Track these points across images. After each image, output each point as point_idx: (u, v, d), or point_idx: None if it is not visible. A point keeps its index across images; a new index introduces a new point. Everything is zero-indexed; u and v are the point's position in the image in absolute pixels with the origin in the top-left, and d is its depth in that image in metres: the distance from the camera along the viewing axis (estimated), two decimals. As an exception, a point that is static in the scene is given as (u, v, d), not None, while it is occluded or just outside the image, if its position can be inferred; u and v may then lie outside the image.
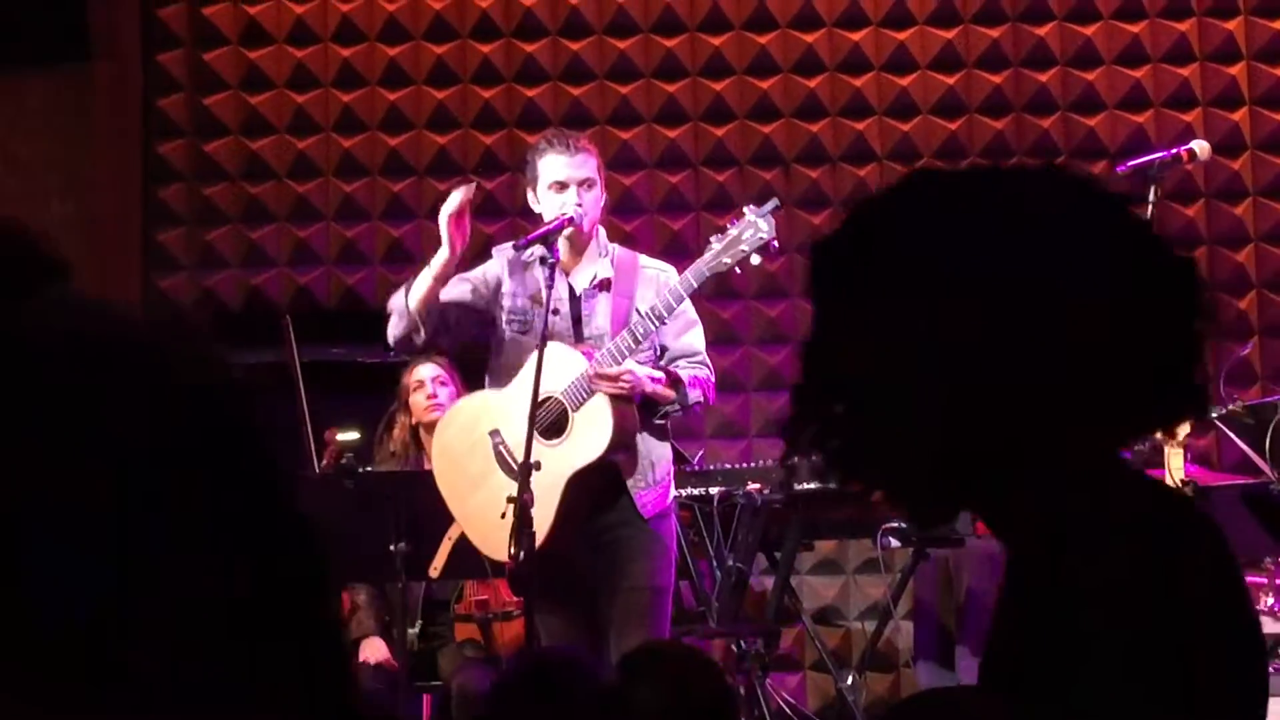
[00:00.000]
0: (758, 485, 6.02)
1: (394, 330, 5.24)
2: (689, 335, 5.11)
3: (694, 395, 5.03)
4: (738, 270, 5.05)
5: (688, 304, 5.08)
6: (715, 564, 6.35)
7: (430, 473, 5.25)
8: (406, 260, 7.84)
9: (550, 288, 4.91)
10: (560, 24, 7.94)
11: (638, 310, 5.00)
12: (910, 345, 1.74)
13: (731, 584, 6.25)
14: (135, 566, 0.94)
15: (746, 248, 4.96)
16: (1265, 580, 6.06)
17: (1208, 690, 1.71)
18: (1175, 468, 5.53)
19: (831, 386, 1.79)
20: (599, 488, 4.96)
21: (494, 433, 5.07)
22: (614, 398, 4.91)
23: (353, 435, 6.47)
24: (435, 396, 6.12)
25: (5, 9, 7.73)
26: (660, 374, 4.99)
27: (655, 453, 5.07)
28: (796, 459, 5.62)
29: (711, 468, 6.43)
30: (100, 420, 0.97)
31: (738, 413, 7.64)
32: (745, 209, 5.08)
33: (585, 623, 5.04)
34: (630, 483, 5.00)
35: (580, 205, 5.03)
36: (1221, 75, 7.81)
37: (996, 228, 1.77)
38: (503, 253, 5.23)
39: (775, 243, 5.00)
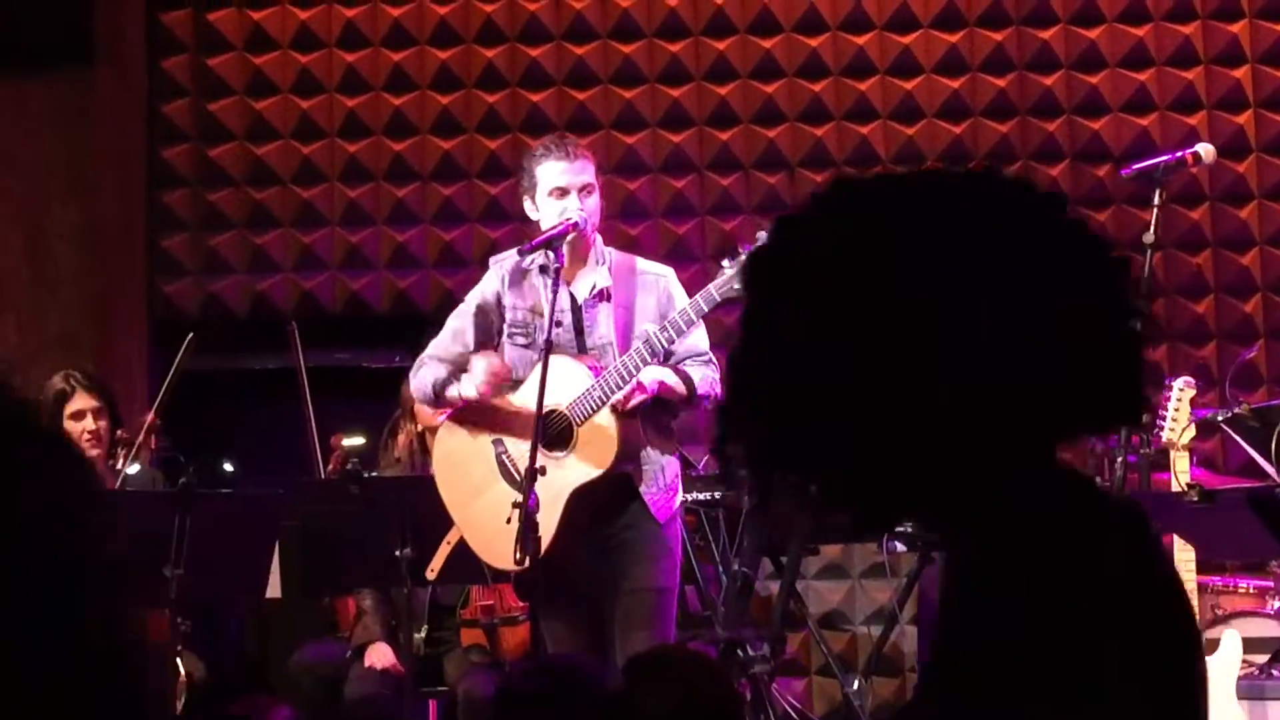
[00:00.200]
0: (763, 489, 6.01)
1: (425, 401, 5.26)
2: (693, 335, 5.11)
3: (703, 389, 5.03)
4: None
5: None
6: (721, 569, 6.35)
7: (435, 478, 5.24)
8: (412, 265, 7.85)
9: (555, 295, 4.91)
10: (564, 29, 7.94)
11: (648, 332, 4.98)
12: (851, 351, 1.73)
13: (737, 589, 6.25)
14: None
15: None
16: (1271, 583, 6.06)
17: (1130, 685, 1.70)
18: (1181, 471, 5.52)
19: (774, 397, 1.78)
20: (605, 500, 4.95)
21: (497, 442, 5.06)
22: (620, 414, 4.91)
23: (358, 440, 6.48)
24: (440, 402, 6.11)
25: (9, 13, 7.74)
26: (670, 372, 4.99)
27: (664, 458, 5.07)
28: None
29: (717, 472, 6.42)
30: None
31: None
32: (760, 234, 5.07)
33: (590, 628, 5.04)
34: (642, 488, 5.00)
35: (582, 210, 5.03)
36: (1226, 78, 7.80)
37: (931, 232, 1.76)
38: (500, 263, 5.19)
39: None
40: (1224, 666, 5.67)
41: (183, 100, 7.96)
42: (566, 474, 4.91)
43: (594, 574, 5.00)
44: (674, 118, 7.88)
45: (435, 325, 5.60)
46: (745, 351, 1.81)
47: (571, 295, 5.09)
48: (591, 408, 4.92)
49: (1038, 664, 1.69)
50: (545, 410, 4.83)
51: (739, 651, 6.09)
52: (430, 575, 5.39)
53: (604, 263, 5.14)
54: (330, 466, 6.51)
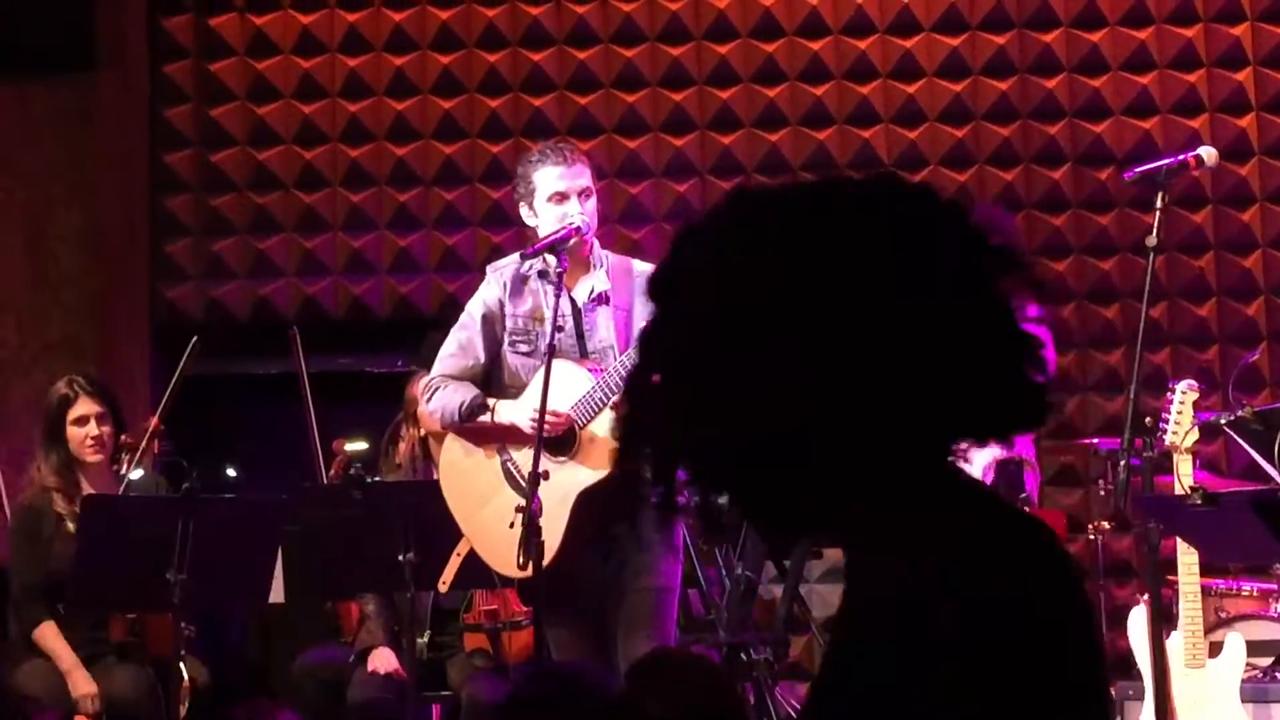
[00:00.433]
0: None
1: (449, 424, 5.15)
2: None
3: None
4: None
5: None
6: (724, 572, 6.35)
7: (438, 483, 5.24)
8: (414, 270, 7.85)
9: (558, 299, 4.92)
10: (566, 33, 7.94)
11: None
12: (749, 362, 1.73)
13: (740, 592, 6.25)
14: None
15: None
16: (1275, 586, 6.05)
17: (1020, 695, 1.70)
18: (1184, 474, 5.52)
19: (672, 411, 1.78)
20: (611, 502, 4.94)
21: (502, 449, 5.06)
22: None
23: (360, 445, 6.48)
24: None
25: (12, 19, 7.74)
26: None
27: None
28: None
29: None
30: None
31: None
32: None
33: (594, 632, 5.03)
34: None
35: (584, 214, 5.02)
36: (1228, 81, 7.80)
37: (826, 241, 1.76)
38: (498, 271, 5.18)
39: None
40: (1228, 669, 5.67)
41: (185, 105, 7.96)
42: (571, 477, 4.90)
43: (598, 576, 5.00)
44: (676, 122, 7.88)
45: (436, 329, 5.59)
46: (644, 365, 1.81)
47: (572, 299, 5.08)
48: (593, 410, 4.91)
49: (929, 672, 1.69)
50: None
51: (742, 655, 6.08)
52: (442, 588, 5.39)
53: (601, 266, 5.13)
54: (332, 471, 6.51)
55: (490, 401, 5.00)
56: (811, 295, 1.73)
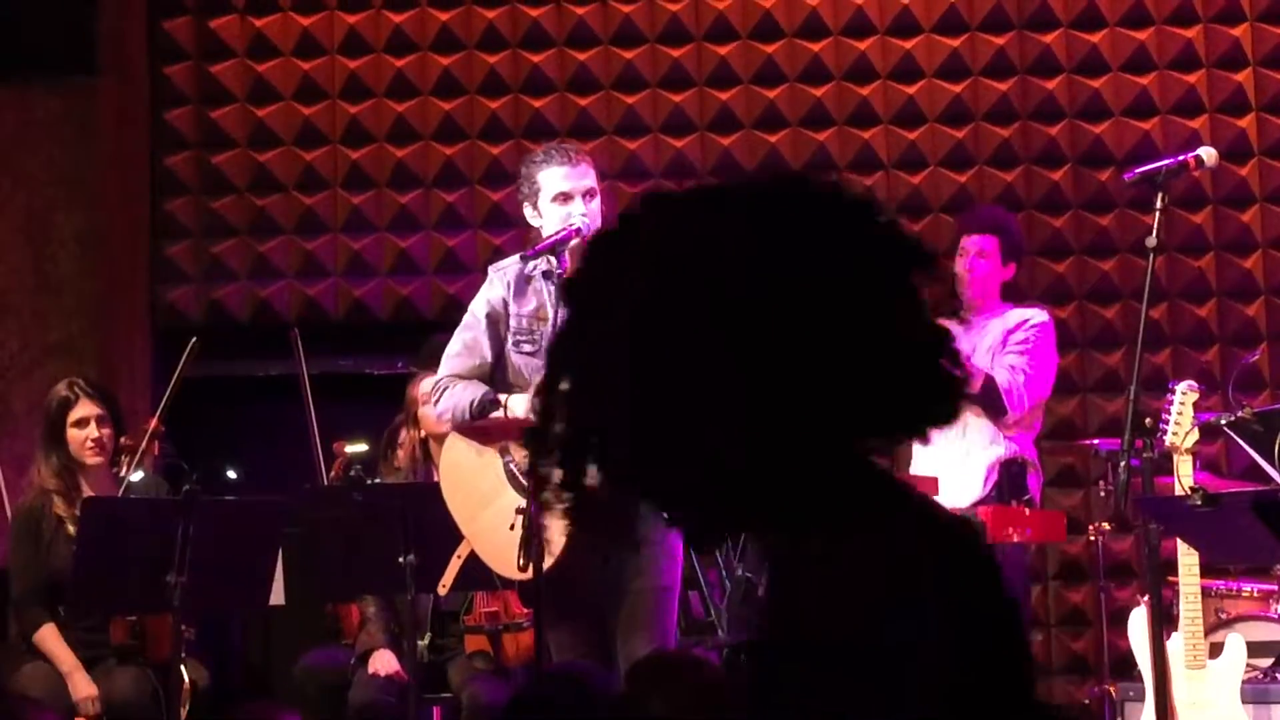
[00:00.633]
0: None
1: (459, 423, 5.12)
2: None
3: None
4: None
5: None
6: (725, 574, 6.35)
7: (439, 485, 5.24)
8: (414, 271, 7.85)
9: (559, 300, 4.92)
10: (566, 35, 7.94)
11: None
12: (662, 365, 1.73)
13: (741, 594, 6.24)
14: None
15: None
16: (1275, 587, 6.05)
17: (937, 689, 1.70)
18: (1184, 475, 5.52)
19: (604, 417, 1.78)
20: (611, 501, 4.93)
21: (504, 451, 5.05)
22: None
23: (361, 447, 6.48)
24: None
25: (13, 23, 7.74)
26: None
27: None
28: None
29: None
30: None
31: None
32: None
33: (594, 634, 5.03)
34: None
35: (586, 215, 5.02)
36: (1228, 81, 7.80)
37: (736, 243, 1.76)
38: (501, 271, 5.17)
39: None
40: (1228, 670, 5.67)
41: (185, 107, 7.96)
42: None
43: (598, 578, 5.00)
44: (676, 123, 7.88)
45: (437, 331, 5.60)
46: (556, 370, 1.82)
47: (573, 301, 5.07)
48: None
49: (848, 668, 1.69)
50: None
51: (742, 657, 6.08)
52: (442, 590, 5.39)
53: None
54: (333, 473, 6.51)
55: (501, 397, 5.00)
56: (724, 296, 1.73)
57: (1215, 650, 5.72)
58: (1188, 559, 5.63)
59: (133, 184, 7.92)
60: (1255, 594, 6.10)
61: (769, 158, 7.82)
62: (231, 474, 7.51)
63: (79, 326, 7.82)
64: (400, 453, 6.32)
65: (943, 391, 1.82)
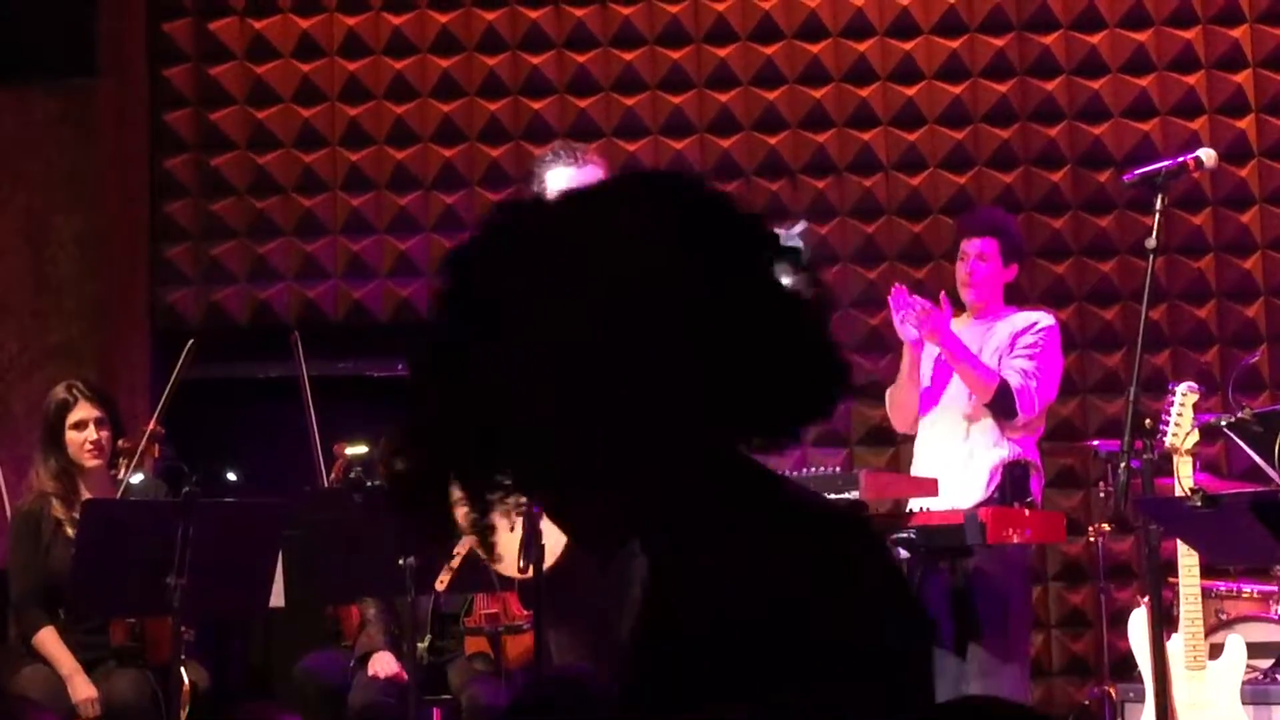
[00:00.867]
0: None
1: None
2: None
3: None
4: None
5: None
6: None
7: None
8: (414, 273, 7.85)
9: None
10: (565, 36, 7.94)
11: None
12: (537, 372, 1.73)
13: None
14: None
15: None
16: (1275, 588, 6.06)
17: (826, 682, 1.69)
18: (1184, 476, 5.52)
19: (465, 419, 1.78)
20: None
21: None
22: None
23: (361, 449, 6.47)
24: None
25: (13, 25, 7.74)
26: None
27: None
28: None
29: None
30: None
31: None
32: (779, 230, 5.04)
33: (594, 636, 5.03)
34: None
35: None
36: (1227, 83, 7.80)
37: (595, 246, 1.75)
38: None
39: None
40: (1228, 671, 5.67)
41: (184, 109, 7.96)
42: None
43: (599, 579, 5.00)
44: (675, 125, 7.88)
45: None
46: (422, 381, 1.82)
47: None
48: None
49: (723, 664, 1.68)
50: None
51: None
52: (439, 587, 5.39)
53: None
54: (333, 475, 6.51)
55: None
56: (586, 299, 1.73)
57: (1215, 651, 5.72)
58: (1188, 560, 5.63)
59: (132, 186, 7.92)
60: (1255, 595, 6.11)
61: (768, 160, 7.83)
62: (231, 476, 7.50)
63: (78, 328, 7.83)
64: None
65: (820, 385, 1.81)
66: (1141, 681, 5.61)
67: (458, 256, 1.83)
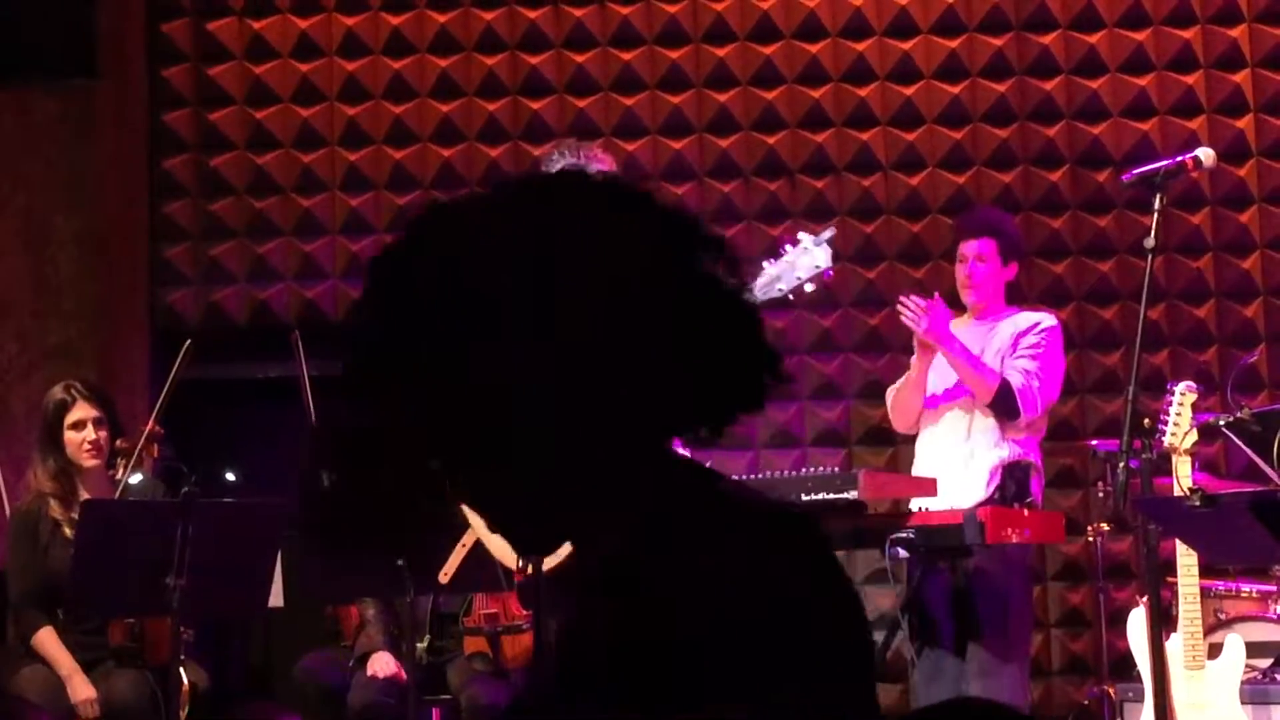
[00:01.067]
0: (765, 496, 5.99)
1: None
2: None
3: None
4: (791, 298, 5.04)
5: None
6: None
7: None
8: (412, 273, 7.84)
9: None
10: (564, 36, 7.94)
11: None
12: (463, 374, 1.73)
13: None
14: None
15: (802, 275, 4.94)
16: (1274, 587, 6.06)
17: (767, 683, 1.68)
18: (1183, 475, 5.52)
19: (389, 425, 1.78)
20: None
21: None
22: None
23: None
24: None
25: (13, 26, 7.74)
26: None
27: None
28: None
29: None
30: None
31: (745, 424, 7.62)
32: (801, 235, 5.05)
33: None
34: None
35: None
36: (1226, 82, 7.80)
37: (516, 249, 1.75)
38: None
39: (830, 271, 4.98)
40: (1227, 671, 5.67)
41: (183, 109, 7.96)
42: None
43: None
44: (674, 124, 7.88)
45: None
46: (353, 383, 1.82)
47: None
48: None
49: (659, 667, 1.68)
50: None
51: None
52: (444, 579, 5.38)
53: None
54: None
55: None
56: (510, 301, 1.72)
57: (1214, 651, 5.72)
58: (1186, 560, 5.63)
59: (131, 186, 7.93)
60: (1254, 594, 6.11)
61: (767, 159, 7.83)
62: (230, 476, 7.50)
63: (78, 329, 7.83)
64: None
65: (746, 376, 1.80)
66: (1140, 681, 5.61)
67: (384, 260, 1.83)
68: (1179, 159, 4.97)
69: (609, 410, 1.73)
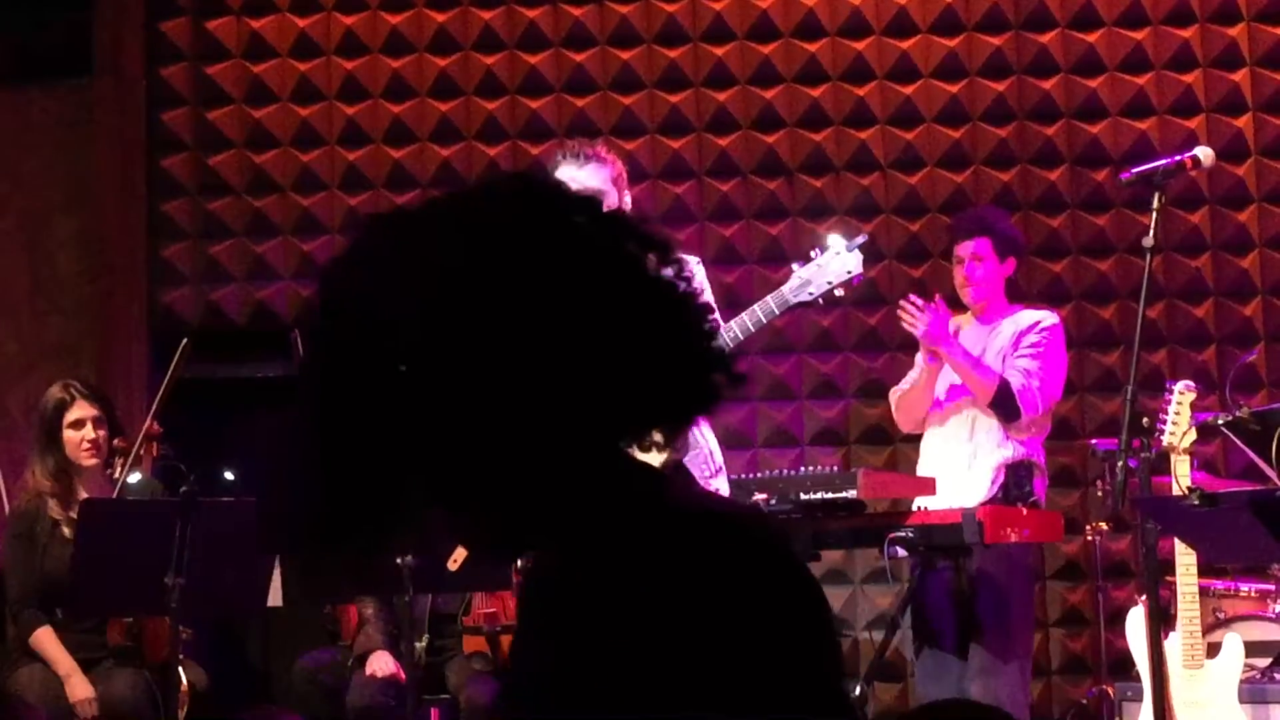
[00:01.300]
0: (764, 496, 6.01)
1: None
2: None
3: None
4: (820, 302, 5.04)
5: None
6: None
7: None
8: (411, 273, 7.84)
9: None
10: (562, 35, 7.94)
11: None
12: (413, 384, 1.72)
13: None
14: None
15: (832, 280, 4.94)
16: (1273, 586, 6.06)
17: (732, 691, 1.68)
18: (1181, 474, 5.52)
19: (339, 448, 1.77)
20: None
21: None
22: None
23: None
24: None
25: (10, 26, 7.74)
26: None
27: (711, 443, 5.02)
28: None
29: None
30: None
31: (743, 423, 7.64)
32: (830, 238, 5.04)
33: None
34: (697, 474, 4.92)
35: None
36: (1224, 81, 7.80)
37: (462, 255, 1.74)
38: None
39: (860, 276, 4.97)
40: (1226, 670, 5.67)
41: (181, 108, 7.96)
42: None
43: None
44: (673, 123, 7.88)
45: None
46: (311, 398, 1.81)
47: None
48: None
49: (617, 674, 1.68)
50: None
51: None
52: (453, 565, 5.37)
53: None
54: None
55: None
56: (456, 308, 1.72)
57: (1213, 650, 5.72)
58: (1185, 559, 5.63)
59: (130, 185, 7.92)
60: (1253, 594, 6.11)
61: (766, 159, 7.83)
62: (229, 476, 7.50)
63: (76, 328, 7.83)
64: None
65: (692, 378, 1.80)
66: (1139, 680, 5.61)
67: (328, 270, 1.83)
68: (1178, 158, 4.97)
69: (550, 416, 1.72)
